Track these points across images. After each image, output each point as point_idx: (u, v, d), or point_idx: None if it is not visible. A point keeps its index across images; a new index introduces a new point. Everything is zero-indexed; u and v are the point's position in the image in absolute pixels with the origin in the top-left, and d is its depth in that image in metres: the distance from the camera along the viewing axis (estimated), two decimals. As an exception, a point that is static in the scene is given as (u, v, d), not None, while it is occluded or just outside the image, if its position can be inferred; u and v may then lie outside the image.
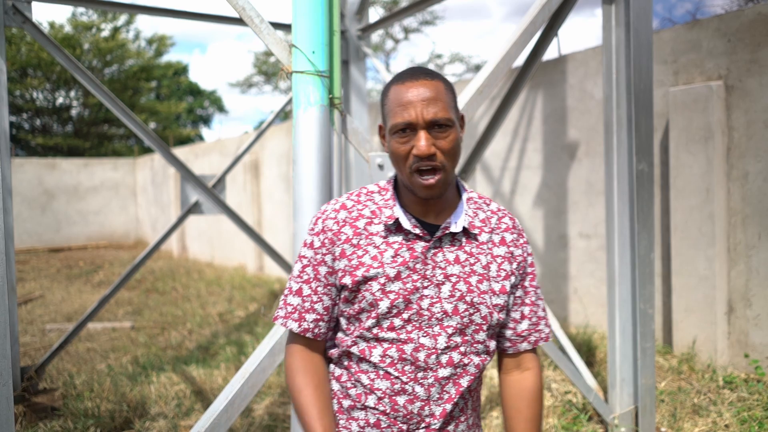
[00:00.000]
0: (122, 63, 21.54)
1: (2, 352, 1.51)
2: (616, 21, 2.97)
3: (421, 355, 1.22)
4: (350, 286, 1.24)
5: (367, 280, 1.23)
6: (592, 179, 5.19)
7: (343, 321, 1.30)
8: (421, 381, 1.23)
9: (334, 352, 1.33)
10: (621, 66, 2.96)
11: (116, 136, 23.61)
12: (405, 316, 1.22)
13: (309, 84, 1.93)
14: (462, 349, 1.24)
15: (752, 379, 3.86)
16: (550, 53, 8.00)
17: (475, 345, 1.26)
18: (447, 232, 1.25)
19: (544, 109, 5.61)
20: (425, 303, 1.22)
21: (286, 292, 1.32)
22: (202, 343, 5.46)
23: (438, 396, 1.24)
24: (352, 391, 1.28)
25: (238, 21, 4.70)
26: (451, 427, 1.27)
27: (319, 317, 1.29)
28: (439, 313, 1.23)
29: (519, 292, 1.33)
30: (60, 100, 21.80)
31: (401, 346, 1.22)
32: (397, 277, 1.22)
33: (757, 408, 3.39)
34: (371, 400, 1.25)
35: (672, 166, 4.35)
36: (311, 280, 1.29)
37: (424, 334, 1.22)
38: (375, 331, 1.24)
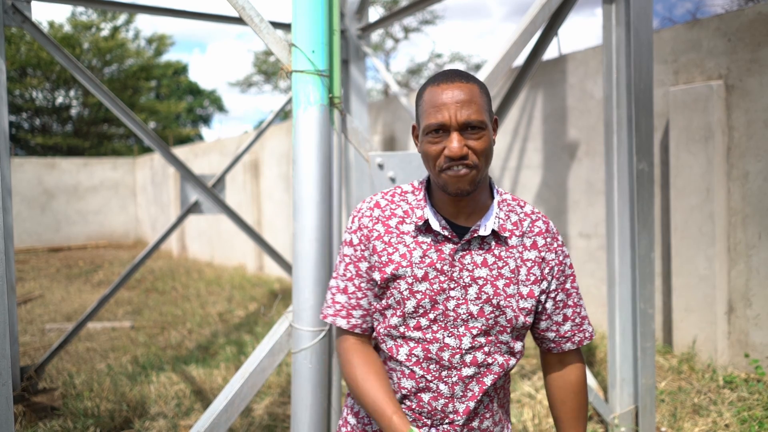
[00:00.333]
0: (122, 62, 21.54)
1: (2, 352, 1.51)
2: (617, 20, 2.96)
3: (446, 355, 1.25)
4: (380, 282, 1.28)
5: (395, 277, 1.26)
6: (592, 179, 5.19)
7: (376, 315, 1.35)
8: (445, 379, 1.26)
9: None
10: (621, 65, 2.96)
11: (116, 136, 23.61)
12: (431, 316, 1.25)
13: (309, 83, 1.93)
14: (486, 349, 1.27)
15: (752, 379, 3.86)
16: (550, 53, 8.01)
17: (499, 345, 1.28)
18: (476, 235, 1.26)
19: (544, 109, 5.60)
20: (451, 304, 1.25)
21: (333, 290, 1.36)
22: (202, 343, 5.46)
23: (462, 394, 1.27)
24: None
25: (238, 20, 4.69)
26: (475, 423, 1.30)
27: (365, 312, 1.34)
28: (464, 314, 1.25)
29: (560, 296, 1.34)
30: (59, 100, 21.82)
31: (427, 346, 1.26)
32: (425, 277, 1.25)
33: (757, 408, 3.39)
34: (397, 397, 1.30)
35: (672, 165, 4.35)
36: (354, 277, 1.33)
37: (449, 335, 1.25)
38: (402, 329, 1.27)
